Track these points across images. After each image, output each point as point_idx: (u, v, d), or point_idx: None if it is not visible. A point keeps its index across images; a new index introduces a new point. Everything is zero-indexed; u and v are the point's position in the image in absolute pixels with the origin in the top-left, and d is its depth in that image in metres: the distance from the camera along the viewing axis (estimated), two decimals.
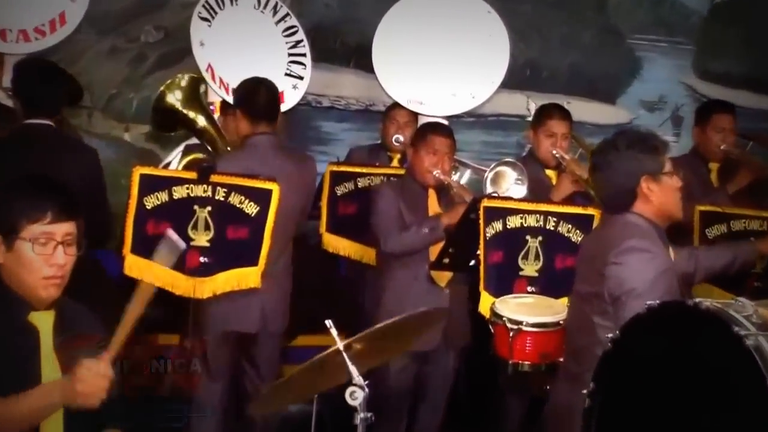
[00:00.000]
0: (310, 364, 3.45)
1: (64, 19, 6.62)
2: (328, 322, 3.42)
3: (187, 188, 5.32)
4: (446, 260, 5.62)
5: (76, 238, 3.44)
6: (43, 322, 3.42)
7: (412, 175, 6.05)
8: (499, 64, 7.34)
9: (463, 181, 6.48)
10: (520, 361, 4.71)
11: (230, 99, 6.45)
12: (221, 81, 6.63)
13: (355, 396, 3.22)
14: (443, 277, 5.94)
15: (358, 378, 3.24)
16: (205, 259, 5.33)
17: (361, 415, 3.24)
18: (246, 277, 5.41)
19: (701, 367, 2.96)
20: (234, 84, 6.24)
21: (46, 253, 3.32)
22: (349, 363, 3.26)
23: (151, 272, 5.14)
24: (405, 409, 6.08)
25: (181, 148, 6.89)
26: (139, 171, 5.29)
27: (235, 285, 5.40)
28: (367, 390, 3.22)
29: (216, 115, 7.03)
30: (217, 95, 6.77)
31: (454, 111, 7.43)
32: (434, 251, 5.81)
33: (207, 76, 6.64)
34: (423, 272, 5.93)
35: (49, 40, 6.66)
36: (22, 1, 6.60)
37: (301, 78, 6.95)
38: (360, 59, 8.16)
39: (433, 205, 6.05)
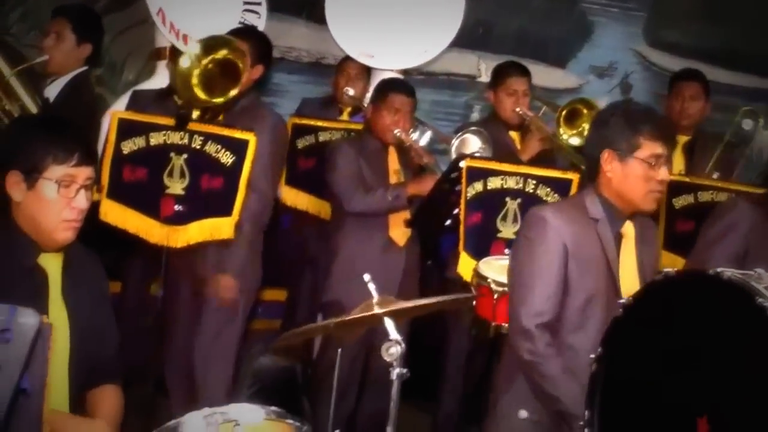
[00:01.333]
0: (349, 318, 3.59)
1: None
2: (367, 276, 3.56)
3: (164, 135, 5.30)
4: (422, 217, 5.77)
5: (93, 184, 3.54)
6: (52, 264, 3.47)
7: (372, 132, 6.18)
8: (452, 20, 7.46)
9: (423, 142, 6.61)
10: (503, 323, 4.75)
11: (181, 45, 6.50)
12: (172, 26, 6.67)
13: (392, 352, 3.33)
14: (403, 236, 6.12)
15: (394, 334, 3.36)
16: (180, 207, 5.32)
17: (397, 370, 3.36)
18: (219, 228, 5.41)
19: (718, 337, 3.01)
20: (186, 30, 6.31)
21: (68, 196, 3.39)
22: (387, 319, 3.38)
23: (125, 218, 5.24)
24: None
25: (129, 93, 6.96)
26: (117, 115, 5.27)
27: (208, 235, 5.39)
28: (403, 345, 3.34)
29: (165, 61, 7.10)
30: (168, 40, 6.82)
31: (405, 65, 7.55)
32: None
33: (157, 20, 6.69)
34: (381, 231, 6.10)
35: None
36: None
37: (254, 27, 7.00)
38: (313, 11, 8.22)
39: (393, 163, 6.20)
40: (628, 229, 4.12)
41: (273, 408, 3.11)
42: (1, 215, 3.49)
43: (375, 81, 7.03)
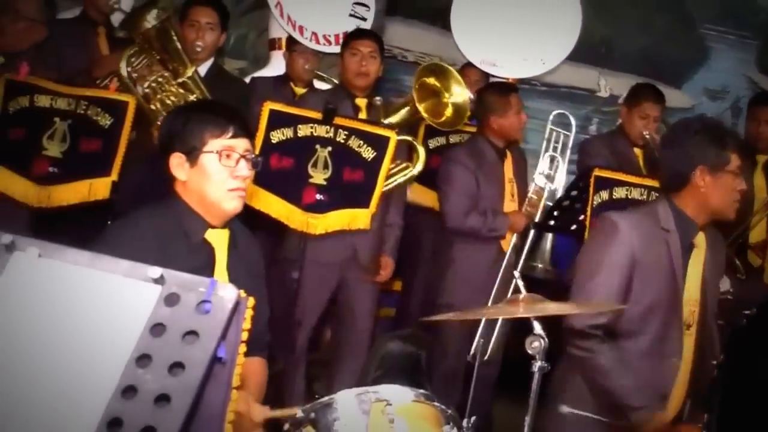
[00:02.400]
0: (496, 308, 3.55)
1: None
2: (516, 273, 3.51)
3: (311, 127, 5.31)
4: (551, 222, 5.72)
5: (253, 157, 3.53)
6: (219, 239, 3.48)
7: (489, 137, 6.15)
8: (570, 34, 7.38)
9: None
10: None
11: (297, 35, 6.51)
12: (289, 18, 6.68)
13: (535, 345, 3.28)
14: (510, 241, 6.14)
15: (539, 329, 3.31)
16: (321, 196, 5.33)
17: (539, 363, 3.31)
18: (357, 218, 5.43)
19: None
20: (302, 22, 6.31)
21: (230, 166, 3.39)
22: (532, 315, 3.33)
23: (269, 203, 5.23)
24: None
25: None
26: (269, 106, 5.29)
27: (345, 224, 5.41)
28: (546, 341, 3.29)
29: (280, 51, 7.13)
30: (285, 31, 6.83)
31: (524, 74, 7.49)
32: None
33: (276, 13, 6.71)
34: (494, 240, 6.16)
35: None
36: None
37: (364, 19, 6.99)
38: (446, 20, 8.17)
39: (508, 171, 6.22)
40: (701, 239, 4.04)
41: (421, 391, 3.07)
42: (169, 197, 3.52)
43: None
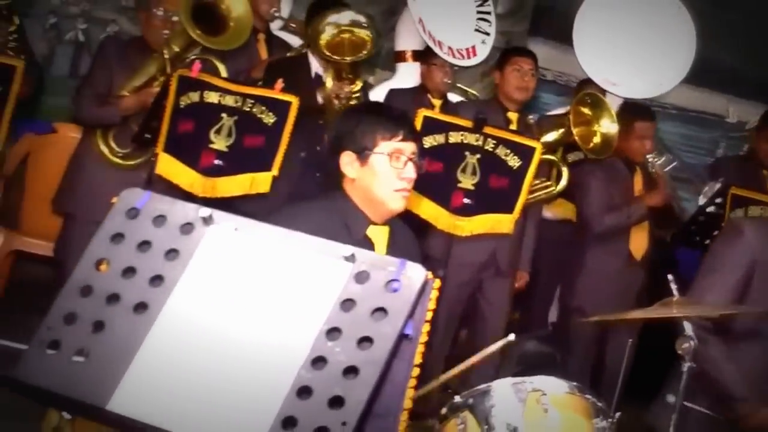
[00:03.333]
0: (650, 310, 3.45)
1: None
2: (670, 276, 3.40)
3: (462, 135, 5.24)
4: (688, 237, 5.59)
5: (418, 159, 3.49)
6: (380, 235, 3.43)
7: (619, 154, 6.03)
8: (686, 58, 7.18)
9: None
10: None
11: (437, 49, 6.44)
12: (430, 34, 6.62)
13: (685, 347, 3.17)
14: (640, 250, 6.02)
15: (689, 331, 3.19)
16: (468, 200, 5.25)
17: (688, 364, 3.20)
18: (500, 223, 5.35)
19: None
20: (441, 36, 6.25)
21: (398, 167, 3.34)
22: (684, 317, 3.22)
23: (419, 205, 5.18)
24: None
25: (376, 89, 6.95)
26: (423, 113, 5.23)
27: (489, 228, 5.33)
28: (696, 342, 3.19)
29: (407, 63, 7.08)
30: (422, 44, 6.75)
31: (642, 95, 7.29)
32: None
33: (419, 28, 6.65)
34: (622, 247, 6.04)
35: None
36: None
37: (488, 34, 6.87)
38: None
39: (638, 184, 6.12)
40: None
41: (575, 383, 2.98)
42: (334, 192, 3.49)
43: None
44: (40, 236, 6.36)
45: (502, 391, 2.86)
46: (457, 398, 2.90)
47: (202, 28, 5.06)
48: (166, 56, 5.20)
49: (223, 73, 5.20)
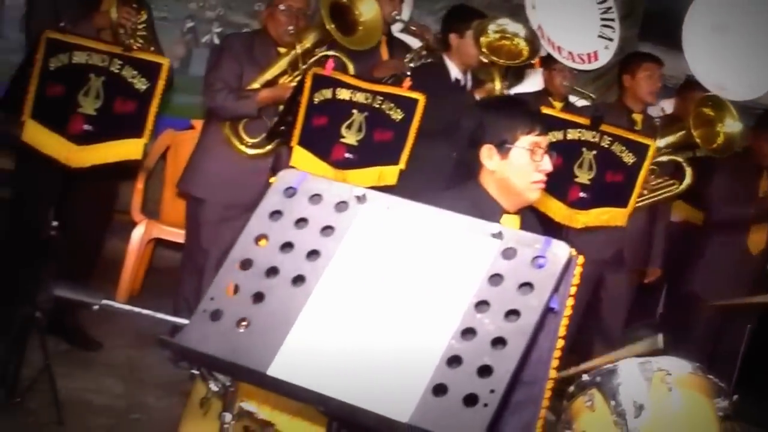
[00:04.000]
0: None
1: None
2: None
3: (579, 132, 5.30)
4: None
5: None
6: (511, 224, 3.43)
7: (750, 157, 6.08)
8: None
9: None
10: None
11: (556, 54, 6.43)
12: (549, 39, 6.60)
13: None
14: (758, 245, 5.95)
15: None
16: (584, 194, 5.31)
17: None
18: (615, 216, 5.38)
19: None
20: (561, 41, 6.31)
21: (536, 161, 3.36)
22: None
23: (545, 205, 5.17)
24: None
25: None
26: (543, 110, 5.26)
27: (604, 221, 5.38)
28: None
29: (538, 69, 7.06)
30: (548, 51, 6.74)
31: (746, 97, 7.15)
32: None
33: (538, 34, 6.63)
34: (740, 239, 5.97)
35: None
36: None
37: (611, 40, 6.86)
38: None
39: (764, 188, 6.22)
40: None
41: (697, 364, 2.93)
42: (469, 182, 3.50)
43: None
44: (178, 225, 6.48)
45: (629, 370, 2.84)
46: (585, 377, 2.88)
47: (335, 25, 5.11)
48: (298, 51, 5.24)
49: (351, 70, 5.24)
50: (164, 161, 6.78)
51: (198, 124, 6.58)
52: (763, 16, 7.01)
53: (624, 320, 5.93)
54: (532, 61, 7.05)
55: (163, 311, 6.03)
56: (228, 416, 2.76)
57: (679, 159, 5.59)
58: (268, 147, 5.41)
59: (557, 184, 5.19)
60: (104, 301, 2.69)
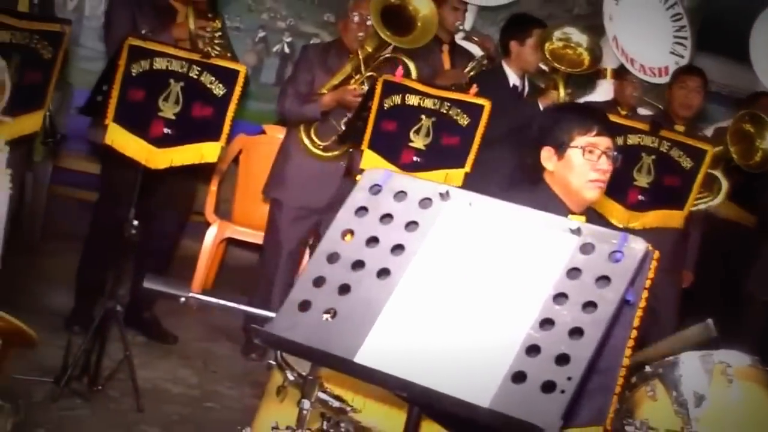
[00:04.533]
0: None
1: None
2: None
3: (639, 137, 5.30)
4: None
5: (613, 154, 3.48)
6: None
7: None
8: None
9: None
10: None
11: (629, 66, 6.48)
12: (623, 50, 6.61)
13: None
14: None
15: None
16: (643, 197, 5.32)
17: None
18: (672, 218, 5.42)
19: None
20: (634, 54, 6.42)
21: (592, 160, 3.37)
22: None
23: (605, 207, 5.17)
24: None
25: None
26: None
27: (661, 223, 5.41)
28: None
29: (606, 80, 7.07)
30: (620, 61, 6.75)
31: None
32: None
33: (612, 45, 6.65)
34: None
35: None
36: None
37: (682, 57, 6.90)
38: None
39: None
40: None
41: (756, 357, 2.93)
42: (539, 185, 3.53)
43: None
44: (249, 225, 6.59)
45: (690, 362, 2.86)
46: (648, 368, 2.89)
47: (392, 29, 5.18)
48: (361, 56, 5.33)
49: (413, 68, 5.32)
50: (236, 165, 6.85)
51: (269, 129, 6.68)
52: None
53: (677, 316, 5.92)
54: (601, 70, 7.12)
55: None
56: (306, 403, 2.79)
57: (716, 173, 5.54)
58: (339, 151, 5.49)
59: (617, 187, 5.20)
60: (191, 294, 2.73)
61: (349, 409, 2.99)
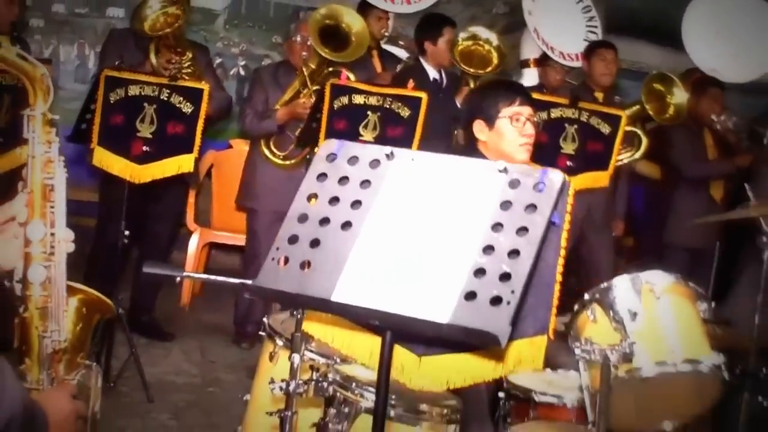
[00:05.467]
0: (728, 213, 3.54)
1: None
2: (747, 186, 3.49)
3: (561, 110, 5.44)
4: None
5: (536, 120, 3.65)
6: None
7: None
8: None
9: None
10: None
11: (551, 54, 6.61)
12: (543, 40, 6.79)
13: (764, 241, 3.25)
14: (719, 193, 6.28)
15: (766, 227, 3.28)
16: (571, 163, 5.41)
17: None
18: (599, 179, 5.49)
19: None
20: (553, 42, 6.61)
21: (518, 127, 3.55)
22: (761, 216, 3.29)
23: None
24: None
25: None
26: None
27: (590, 184, 5.45)
28: None
29: (532, 68, 7.24)
30: (541, 50, 6.93)
31: (741, 79, 7.25)
32: None
33: (534, 36, 6.84)
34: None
35: (422, 4, 7.02)
36: None
37: None
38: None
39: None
40: None
41: (678, 275, 3.09)
42: (472, 154, 3.64)
43: None
44: (226, 230, 6.74)
45: (622, 285, 3.00)
46: (586, 295, 3.05)
47: (330, 47, 5.34)
48: (306, 73, 5.48)
49: (353, 79, 5.47)
50: (209, 178, 6.98)
51: (235, 143, 6.81)
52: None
53: (612, 264, 6.08)
54: (526, 60, 7.30)
55: (222, 306, 6.23)
56: (297, 357, 2.93)
57: (636, 129, 5.73)
58: (297, 158, 5.63)
59: (547, 156, 5.35)
60: (185, 273, 2.87)
61: (333, 362, 3.15)
